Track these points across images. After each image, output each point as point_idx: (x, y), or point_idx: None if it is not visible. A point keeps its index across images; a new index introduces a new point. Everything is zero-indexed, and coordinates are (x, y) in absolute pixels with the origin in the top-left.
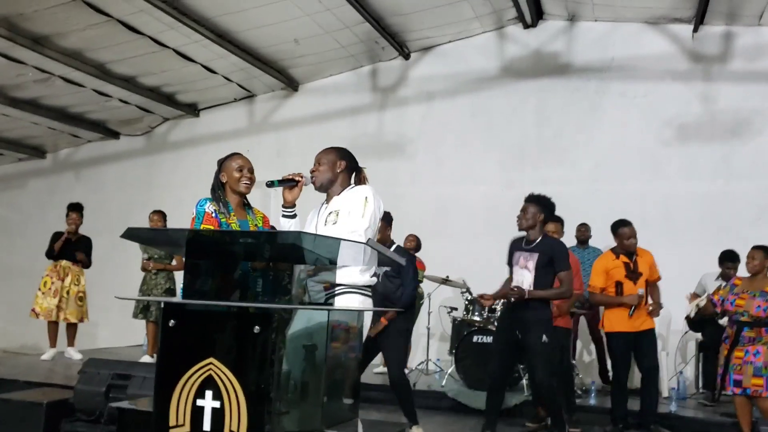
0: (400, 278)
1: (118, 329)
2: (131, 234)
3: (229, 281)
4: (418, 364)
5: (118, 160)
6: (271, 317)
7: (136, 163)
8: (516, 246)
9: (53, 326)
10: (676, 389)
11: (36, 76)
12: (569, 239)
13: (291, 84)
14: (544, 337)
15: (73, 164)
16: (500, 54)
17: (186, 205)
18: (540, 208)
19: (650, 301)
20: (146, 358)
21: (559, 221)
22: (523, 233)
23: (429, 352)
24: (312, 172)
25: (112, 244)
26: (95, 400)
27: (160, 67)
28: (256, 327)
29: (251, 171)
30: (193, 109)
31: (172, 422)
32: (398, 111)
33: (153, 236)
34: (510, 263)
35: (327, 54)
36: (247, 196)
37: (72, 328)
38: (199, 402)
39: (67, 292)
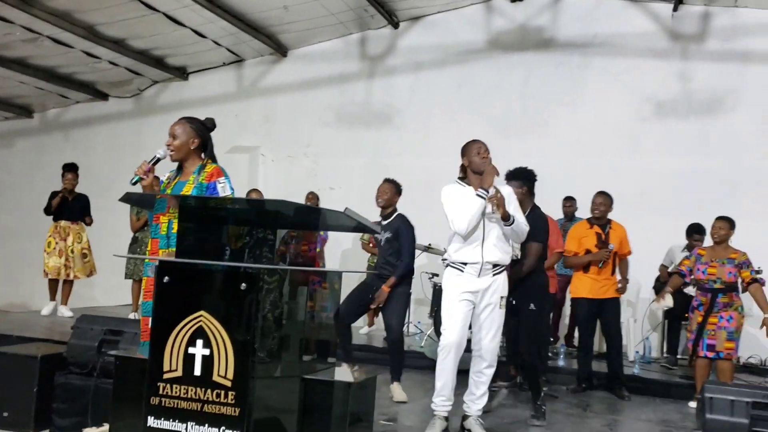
0: (397, 243)
1: (108, 289)
2: (129, 198)
3: (217, 242)
4: None
5: (107, 122)
6: (256, 276)
7: (125, 125)
8: None
9: (53, 283)
10: (641, 353)
11: (24, 35)
12: (550, 210)
13: (280, 49)
14: (532, 305)
15: (61, 125)
16: (487, 26)
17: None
18: (522, 182)
19: (619, 277)
20: (133, 315)
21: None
22: None
23: (410, 315)
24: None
25: (101, 205)
26: (88, 354)
27: (150, 30)
28: (243, 284)
29: (173, 137)
30: (182, 73)
31: (165, 368)
32: (387, 80)
33: (146, 200)
34: None
35: (316, 20)
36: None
37: (67, 287)
38: (191, 350)
39: (72, 251)
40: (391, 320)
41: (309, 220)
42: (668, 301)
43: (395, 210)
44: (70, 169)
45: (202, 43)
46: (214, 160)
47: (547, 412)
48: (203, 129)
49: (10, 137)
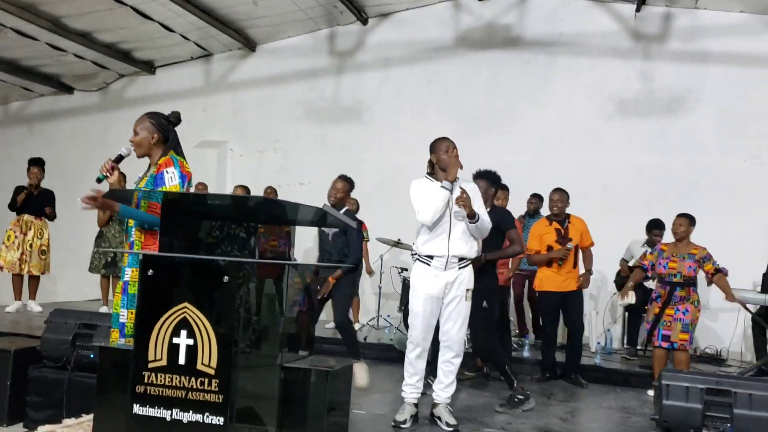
0: (345, 238)
1: (71, 283)
2: (113, 195)
3: (200, 236)
4: (370, 320)
5: (73, 116)
6: (237, 269)
7: (90, 119)
8: None
9: (17, 279)
10: (602, 344)
11: None
12: (517, 206)
13: (248, 44)
14: (485, 303)
15: (25, 118)
16: (455, 24)
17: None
18: (490, 183)
19: (582, 270)
20: (105, 309)
21: (506, 189)
22: None
23: (380, 309)
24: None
25: (67, 199)
26: (62, 347)
27: (118, 23)
28: (225, 277)
29: (135, 133)
30: (149, 67)
31: (150, 357)
32: (356, 76)
33: (124, 196)
34: None
35: (285, 16)
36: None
37: (34, 282)
38: (175, 340)
39: (30, 246)
40: (336, 305)
41: (282, 215)
42: (630, 298)
43: (344, 206)
44: (36, 163)
45: (169, 37)
46: (179, 153)
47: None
48: (164, 123)
49: None
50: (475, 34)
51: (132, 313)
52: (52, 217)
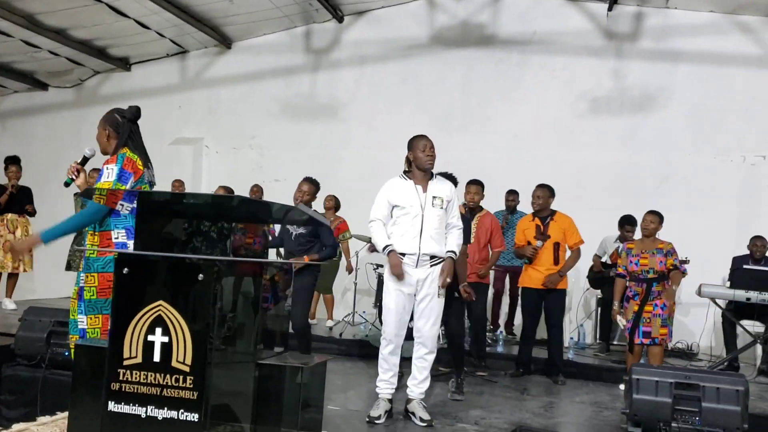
0: (314, 240)
1: (47, 281)
2: (88, 193)
3: (174, 234)
4: (345, 316)
5: (47, 112)
6: (212, 266)
7: (65, 116)
8: None
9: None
10: (575, 339)
11: None
12: (492, 202)
13: (224, 41)
14: (457, 294)
15: None
16: (430, 22)
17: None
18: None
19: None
20: None
21: (480, 184)
22: None
23: (355, 305)
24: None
25: (40, 196)
26: (36, 345)
27: (92, 20)
28: (200, 275)
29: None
30: (124, 63)
31: (126, 355)
32: (331, 74)
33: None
34: None
35: (261, 13)
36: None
37: (12, 280)
38: (150, 337)
39: None
40: (296, 308)
41: (259, 214)
42: (622, 318)
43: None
44: (14, 161)
45: (145, 34)
46: (135, 149)
47: (464, 386)
48: (116, 119)
49: None
50: (450, 33)
51: (91, 318)
52: (33, 213)
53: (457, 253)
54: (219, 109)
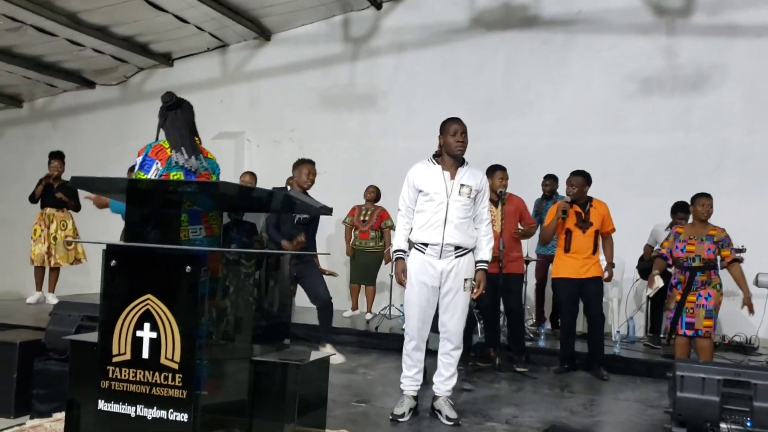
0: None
1: (97, 276)
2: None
3: (163, 225)
4: (382, 309)
5: (94, 110)
6: (200, 258)
7: (111, 113)
8: None
9: (39, 271)
10: (622, 333)
11: (7, 24)
12: (533, 191)
13: (263, 34)
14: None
15: (50, 113)
16: (470, 5)
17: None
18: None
19: (602, 257)
20: None
21: (503, 169)
22: None
23: (392, 298)
24: None
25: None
26: (65, 340)
27: (132, 16)
28: (188, 267)
29: None
30: (167, 59)
31: (115, 351)
32: (370, 62)
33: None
34: None
35: (298, 3)
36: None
37: (54, 275)
38: (139, 333)
39: (54, 239)
40: (318, 289)
41: (252, 203)
42: (658, 282)
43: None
44: (56, 156)
45: (184, 29)
46: (169, 136)
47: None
48: (162, 109)
49: (1, 127)
50: (491, 15)
51: None
52: (72, 207)
53: (490, 260)
54: (259, 103)
